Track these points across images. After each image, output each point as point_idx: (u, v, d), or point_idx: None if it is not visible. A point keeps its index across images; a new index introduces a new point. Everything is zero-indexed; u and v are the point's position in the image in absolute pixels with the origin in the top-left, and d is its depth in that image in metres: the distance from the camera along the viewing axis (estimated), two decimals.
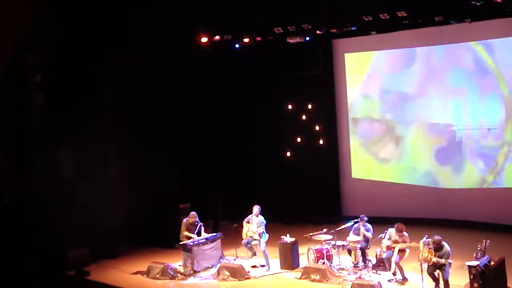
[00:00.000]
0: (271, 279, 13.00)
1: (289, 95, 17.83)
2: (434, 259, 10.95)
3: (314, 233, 13.22)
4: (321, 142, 17.64)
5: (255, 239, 13.49)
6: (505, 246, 13.08)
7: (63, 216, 14.23)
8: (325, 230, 13.17)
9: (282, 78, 17.78)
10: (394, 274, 12.09)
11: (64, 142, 14.71)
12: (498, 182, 15.50)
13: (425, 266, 11.11)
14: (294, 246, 13.41)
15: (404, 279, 11.96)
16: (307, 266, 12.81)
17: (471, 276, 10.61)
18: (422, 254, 11.06)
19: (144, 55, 15.60)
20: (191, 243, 13.45)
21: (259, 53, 16.89)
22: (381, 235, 12.47)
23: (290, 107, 17.88)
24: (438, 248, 10.99)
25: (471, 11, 13.48)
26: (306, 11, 14.78)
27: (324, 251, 12.93)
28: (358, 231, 12.98)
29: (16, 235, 13.59)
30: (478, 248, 11.04)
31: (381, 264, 12.55)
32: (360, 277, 12.00)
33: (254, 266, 13.57)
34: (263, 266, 13.47)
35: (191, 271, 13.33)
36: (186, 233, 13.67)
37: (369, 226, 13.04)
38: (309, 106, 17.69)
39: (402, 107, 16.83)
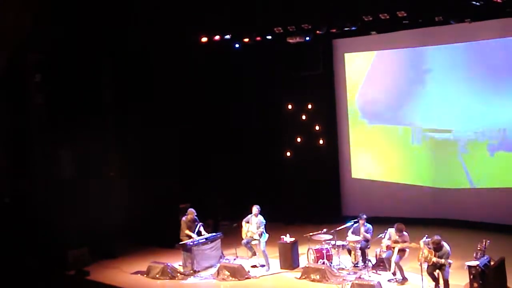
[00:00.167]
0: (271, 279, 12.99)
1: (289, 95, 17.82)
2: (434, 259, 10.94)
3: (314, 233, 13.21)
4: (321, 142, 17.63)
5: (255, 239, 13.49)
6: (505, 246, 13.08)
7: (63, 216, 14.23)
8: (325, 230, 13.17)
9: (282, 78, 17.77)
10: (394, 274, 12.09)
11: (64, 142, 14.73)
12: (498, 182, 15.49)
13: (425, 266, 11.11)
14: (294, 246, 13.41)
15: (404, 279, 11.96)
16: (307, 266, 12.80)
17: (471, 276, 10.60)
18: (422, 254, 11.06)
19: (144, 55, 15.61)
20: (191, 243, 13.45)
21: (259, 53, 16.88)
22: (381, 235, 12.48)
23: (290, 107, 17.87)
24: (438, 248, 10.98)
25: (471, 11, 13.46)
26: (306, 11, 14.77)
27: (324, 251, 12.92)
28: (358, 231, 12.99)
29: (16, 235, 13.61)
30: (478, 248, 11.05)
31: (381, 264, 12.55)
32: (360, 277, 12.00)
33: (254, 266, 13.57)
34: (263, 266, 13.48)
35: (191, 271, 13.34)
36: (187, 231, 13.68)
37: (368, 225, 13.04)
38: (309, 106, 17.68)
39: (402, 107, 16.81)
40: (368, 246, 12.98)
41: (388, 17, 14.05)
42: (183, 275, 13.26)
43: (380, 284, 11.43)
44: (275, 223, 15.70)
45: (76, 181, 14.83)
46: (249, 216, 13.64)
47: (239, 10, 15.01)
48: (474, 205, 15.77)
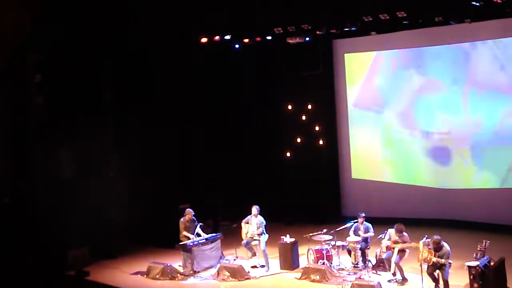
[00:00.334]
0: (271, 279, 12.99)
1: (289, 95, 17.81)
2: (434, 259, 10.94)
3: (314, 233, 13.21)
4: (321, 142, 17.63)
5: (255, 240, 13.49)
6: (505, 246, 13.07)
7: (63, 216, 14.24)
8: (325, 230, 13.17)
9: (282, 78, 17.78)
10: (394, 274, 12.09)
11: (64, 142, 14.72)
12: (498, 182, 15.50)
13: (425, 266, 11.11)
14: (294, 247, 13.40)
15: (404, 280, 11.95)
16: (307, 266, 12.80)
17: (471, 277, 10.61)
18: (422, 255, 11.06)
19: (144, 55, 15.61)
20: (191, 244, 13.44)
21: (259, 53, 16.88)
22: (381, 235, 12.48)
23: (290, 107, 17.87)
24: (437, 248, 10.98)
25: (471, 11, 13.47)
26: (306, 11, 14.77)
27: (324, 252, 12.92)
28: (358, 231, 12.99)
29: (16, 235, 13.60)
30: (478, 249, 11.06)
31: (381, 264, 12.55)
32: (360, 278, 12.00)
33: (254, 267, 13.57)
34: (263, 266, 13.47)
35: (191, 272, 13.33)
36: (185, 233, 13.67)
37: (368, 225, 13.06)
38: (309, 106, 17.68)
39: (402, 107, 16.82)
40: (368, 247, 12.99)
41: (388, 17, 14.05)
42: (183, 276, 13.25)
43: (380, 285, 11.42)
44: (275, 223, 15.70)
45: (76, 181, 14.82)
46: (249, 216, 13.64)
47: (239, 10, 15.02)
48: (474, 205, 15.77)
